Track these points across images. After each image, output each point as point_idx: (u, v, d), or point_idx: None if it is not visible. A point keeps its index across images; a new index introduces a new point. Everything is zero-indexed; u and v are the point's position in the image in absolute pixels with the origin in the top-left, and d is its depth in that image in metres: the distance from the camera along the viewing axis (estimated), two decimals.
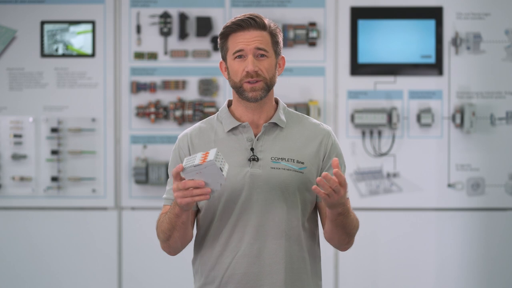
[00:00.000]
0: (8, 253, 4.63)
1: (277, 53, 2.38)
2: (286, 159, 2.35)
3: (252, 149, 2.36)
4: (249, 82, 2.33)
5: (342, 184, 2.16)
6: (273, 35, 2.36)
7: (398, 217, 4.60)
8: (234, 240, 2.33)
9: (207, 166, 2.11)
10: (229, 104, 2.45)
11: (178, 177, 2.16)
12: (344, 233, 2.35)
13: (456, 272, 4.60)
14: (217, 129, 2.41)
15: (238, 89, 2.35)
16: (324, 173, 2.14)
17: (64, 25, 4.61)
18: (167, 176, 4.50)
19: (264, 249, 2.33)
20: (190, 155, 2.39)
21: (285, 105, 2.47)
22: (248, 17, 2.34)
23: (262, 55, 2.33)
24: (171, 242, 2.37)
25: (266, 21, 2.36)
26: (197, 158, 2.12)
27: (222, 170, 2.12)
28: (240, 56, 2.33)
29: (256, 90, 2.33)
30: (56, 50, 4.59)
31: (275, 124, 2.40)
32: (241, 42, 2.33)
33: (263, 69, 2.33)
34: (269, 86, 2.36)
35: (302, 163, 2.36)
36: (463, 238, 4.60)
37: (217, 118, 2.44)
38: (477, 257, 4.60)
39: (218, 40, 2.41)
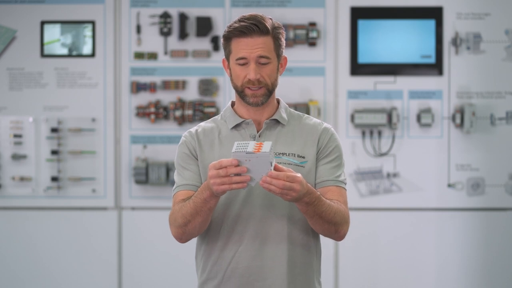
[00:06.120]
0: (8, 253, 4.62)
1: (279, 55, 2.39)
2: (288, 154, 2.37)
3: None
4: (250, 88, 2.34)
5: (293, 181, 2.13)
6: (276, 39, 2.36)
7: (398, 217, 4.60)
8: (236, 234, 2.33)
9: (259, 157, 2.07)
10: (233, 104, 2.48)
11: (217, 165, 2.13)
12: (324, 222, 2.29)
13: (456, 272, 4.60)
14: (222, 127, 2.43)
15: (239, 93, 2.38)
16: (269, 172, 2.11)
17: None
18: (167, 176, 4.50)
19: (266, 243, 2.33)
20: (196, 149, 2.39)
21: (287, 105, 2.49)
22: (251, 23, 2.32)
23: (265, 62, 2.34)
24: (189, 228, 2.30)
25: (269, 24, 2.34)
26: (250, 146, 2.08)
27: (271, 165, 2.09)
28: (242, 63, 2.34)
29: (257, 96, 2.35)
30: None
31: (277, 121, 2.42)
32: (243, 49, 2.32)
33: (265, 75, 2.34)
34: (270, 91, 2.38)
35: (303, 157, 2.38)
36: (463, 238, 4.59)
37: (221, 118, 2.47)
38: (477, 257, 4.60)
39: (221, 40, 2.41)
